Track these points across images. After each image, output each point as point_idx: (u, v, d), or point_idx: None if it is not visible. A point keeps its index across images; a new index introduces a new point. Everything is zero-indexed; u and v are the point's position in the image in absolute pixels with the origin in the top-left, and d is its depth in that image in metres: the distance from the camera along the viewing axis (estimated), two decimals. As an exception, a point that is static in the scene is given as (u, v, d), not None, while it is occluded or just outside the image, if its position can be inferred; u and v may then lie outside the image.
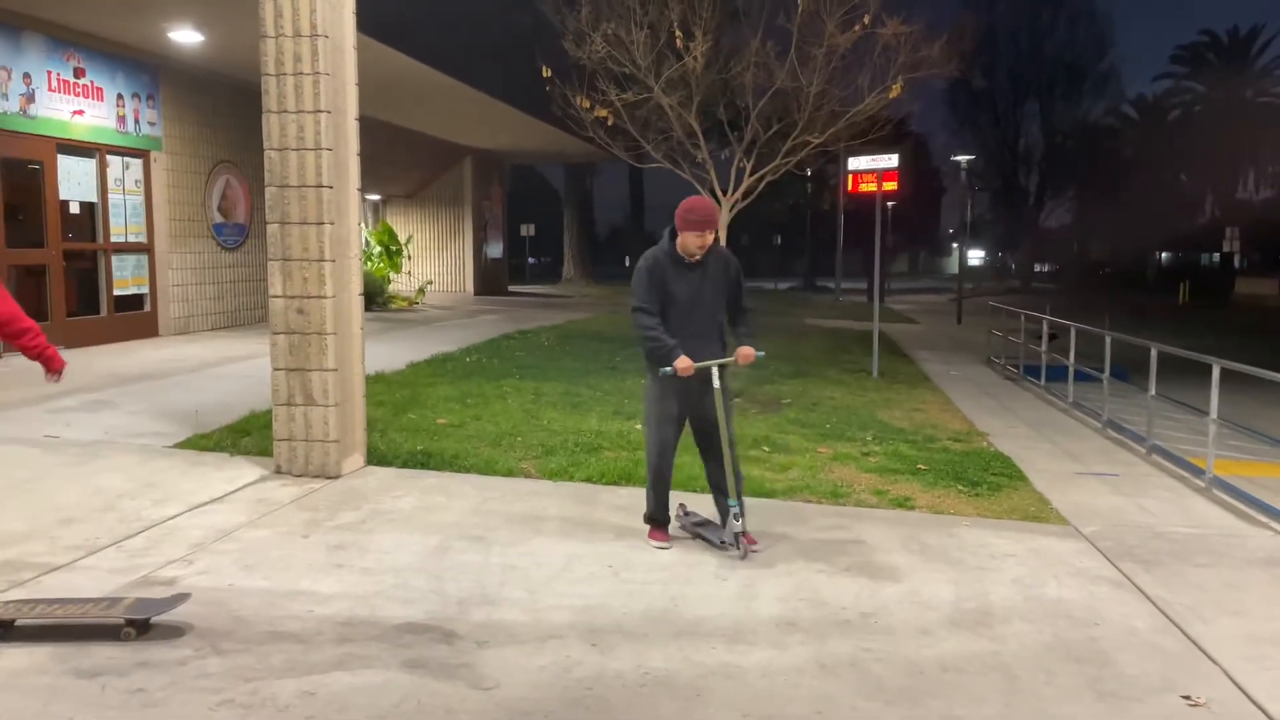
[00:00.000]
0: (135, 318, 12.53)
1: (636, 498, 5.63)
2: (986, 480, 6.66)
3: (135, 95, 12.25)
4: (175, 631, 3.64)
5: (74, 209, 11.55)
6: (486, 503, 5.56)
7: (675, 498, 5.17)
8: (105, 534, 4.74)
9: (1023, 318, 13.46)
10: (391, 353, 11.58)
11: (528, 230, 39.03)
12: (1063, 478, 7.07)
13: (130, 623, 3.56)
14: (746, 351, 4.81)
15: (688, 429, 4.98)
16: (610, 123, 9.42)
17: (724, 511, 4.86)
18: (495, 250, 27.31)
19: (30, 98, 10.54)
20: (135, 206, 12.46)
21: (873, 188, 12.68)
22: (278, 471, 5.94)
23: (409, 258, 22.44)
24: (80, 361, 10.18)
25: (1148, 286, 52.57)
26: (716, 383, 4.77)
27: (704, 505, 5.25)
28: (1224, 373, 6.94)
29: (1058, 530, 5.62)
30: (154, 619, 3.64)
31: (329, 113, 5.70)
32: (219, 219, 14.08)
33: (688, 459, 5.55)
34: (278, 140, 5.75)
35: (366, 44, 7.46)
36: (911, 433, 8.38)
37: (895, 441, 7.89)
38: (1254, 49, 61.46)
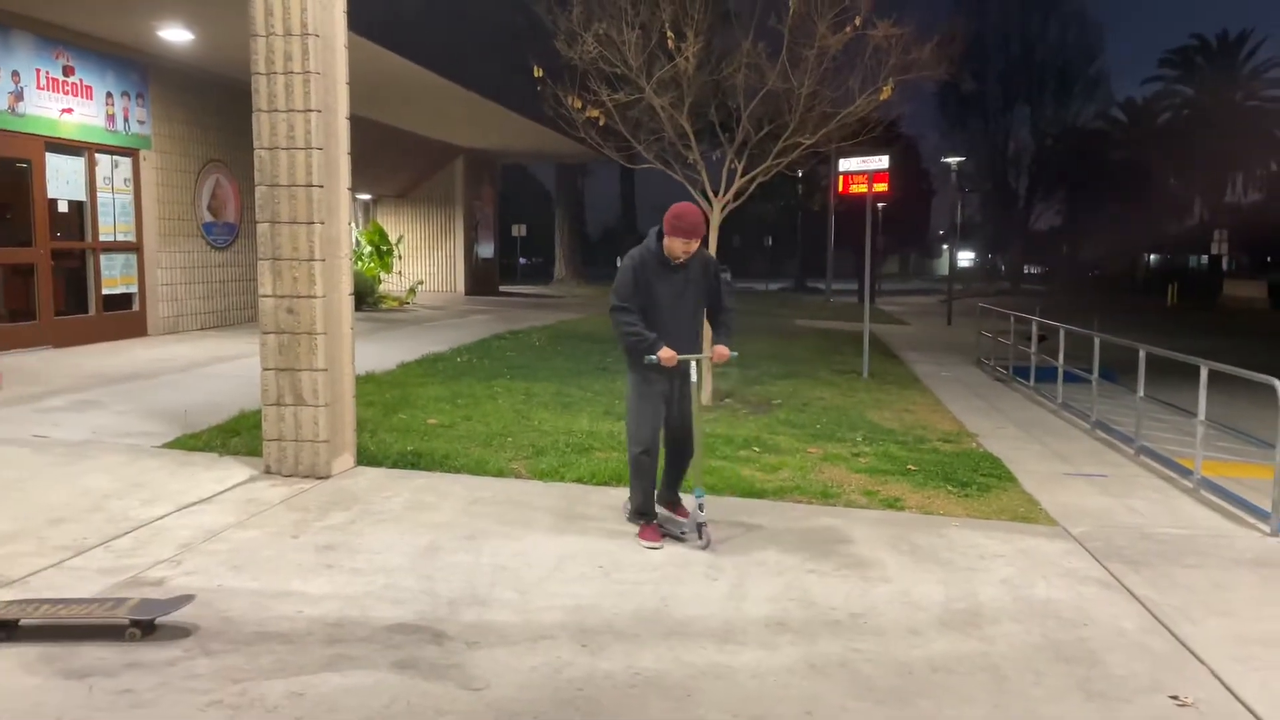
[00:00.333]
0: (124, 317, 12.47)
1: (626, 498, 5.63)
2: (976, 481, 6.68)
3: (124, 93, 12.19)
4: (164, 632, 3.62)
5: (62, 208, 11.49)
6: (477, 503, 5.56)
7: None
8: (93, 534, 4.71)
9: (1012, 319, 13.50)
10: (382, 353, 11.55)
11: (519, 230, 38.99)
12: (1052, 478, 7.09)
13: (135, 623, 3.54)
14: (722, 350, 5.02)
15: None
16: (602, 123, 9.40)
17: (672, 504, 5.24)
18: (486, 250, 27.28)
19: (19, 96, 10.49)
20: (124, 205, 12.40)
21: (863, 189, 12.72)
22: (267, 472, 5.92)
23: (400, 257, 22.39)
24: (68, 361, 10.13)
25: (1136, 288, 52.80)
26: (694, 376, 4.96)
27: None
28: (1212, 374, 6.98)
29: (1046, 531, 5.64)
30: (159, 620, 3.62)
31: (319, 112, 5.69)
32: (209, 218, 14.03)
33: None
34: (268, 139, 5.73)
35: (357, 43, 7.44)
36: (901, 433, 8.40)
37: (885, 442, 7.91)
38: (1243, 53, 61.82)
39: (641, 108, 9.27)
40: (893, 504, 6.03)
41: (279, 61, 5.66)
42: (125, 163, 12.38)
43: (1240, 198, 63.61)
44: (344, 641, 3.62)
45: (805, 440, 7.85)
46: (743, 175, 9.23)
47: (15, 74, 10.43)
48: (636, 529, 5.05)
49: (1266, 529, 5.81)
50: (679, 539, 5.00)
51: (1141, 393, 8.17)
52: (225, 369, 9.92)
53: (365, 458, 6.35)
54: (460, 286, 25.32)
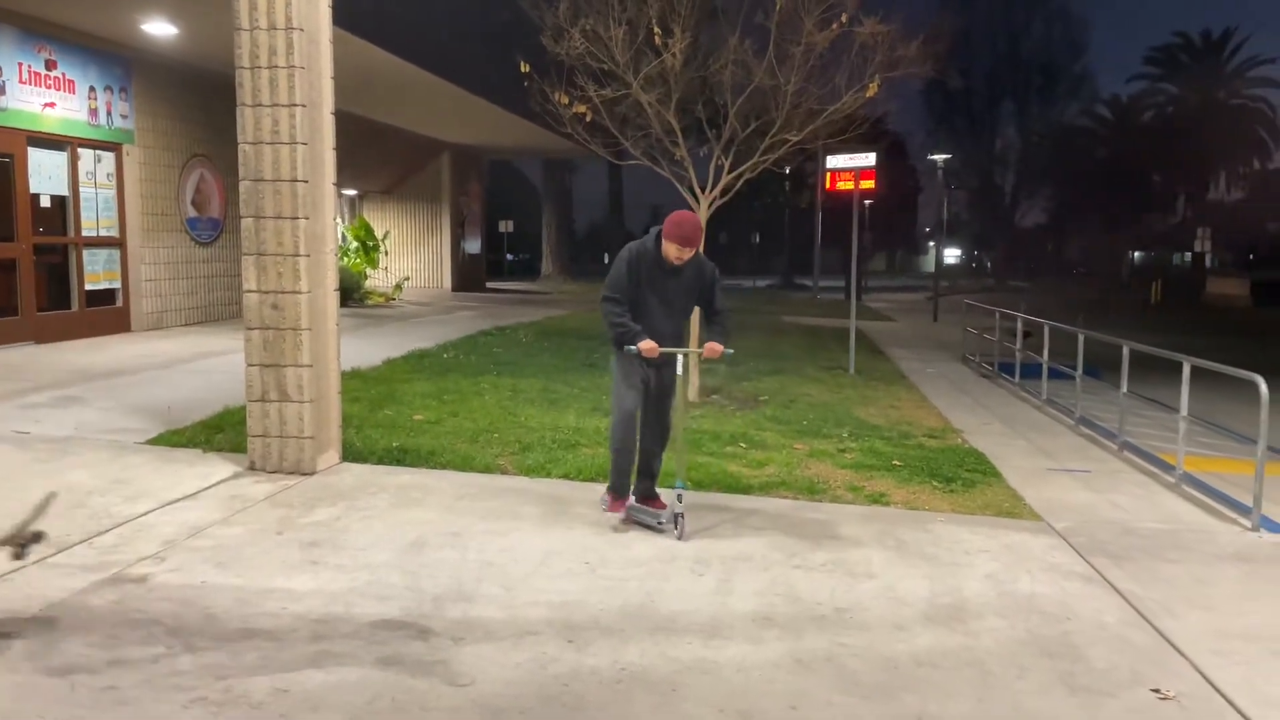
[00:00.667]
0: (107, 313, 12.38)
1: (613, 494, 5.64)
2: (961, 476, 6.72)
3: (107, 88, 12.09)
4: (148, 629, 3.60)
5: (45, 202, 11.39)
6: (463, 499, 5.55)
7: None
8: (76, 530, 4.68)
9: (997, 316, 13.56)
10: (368, 349, 11.51)
11: (506, 226, 38.90)
12: (1036, 474, 7.13)
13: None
14: (714, 346, 5.10)
15: None
16: (589, 119, 9.39)
17: (646, 496, 5.35)
18: (473, 246, 27.20)
19: (0, 90, 10.39)
20: (107, 200, 12.31)
21: (850, 186, 12.75)
22: (251, 468, 5.89)
23: (386, 253, 22.30)
24: (51, 357, 10.06)
25: (1120, 285, 53.11)
26: (680, 370, 5.10)
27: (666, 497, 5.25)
28: (1194, 370, 7.03)
29: (1031, 526, 5.67)
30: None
31: (304, 106, 5.66)
32: (193, 213, 13.94)
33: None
34: (252, 134, 5.70)
35: (342, 38, 7.41)
36: (887, 429, 8.43)
37: (871, 438, 7.94)
38: (1226, 51, 62.22)
39: (629, 104, 9.25)
40: (878, 499, 6.05)
41: (263, 56, 5.63)
42: (108, 157, 12.28)
43: (1223, 196, 64.08)
44: (328, 638, 3.61)
45: (792, 436, 7.86)
46: (730, 172, 9.24)
47: (-4, 67, 10.34)
48: (607, 499, 5.33)
49: (1248, 524, 5.86)
50: (655, 529, 5.02)
51: (1125, 389, 8.23)
52: (209, 365, 9.86)
53: (351, 454, 6.33)
54: (447, 282, 25.24)
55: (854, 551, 4.94)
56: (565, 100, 9.30)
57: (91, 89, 11.81)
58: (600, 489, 5.86)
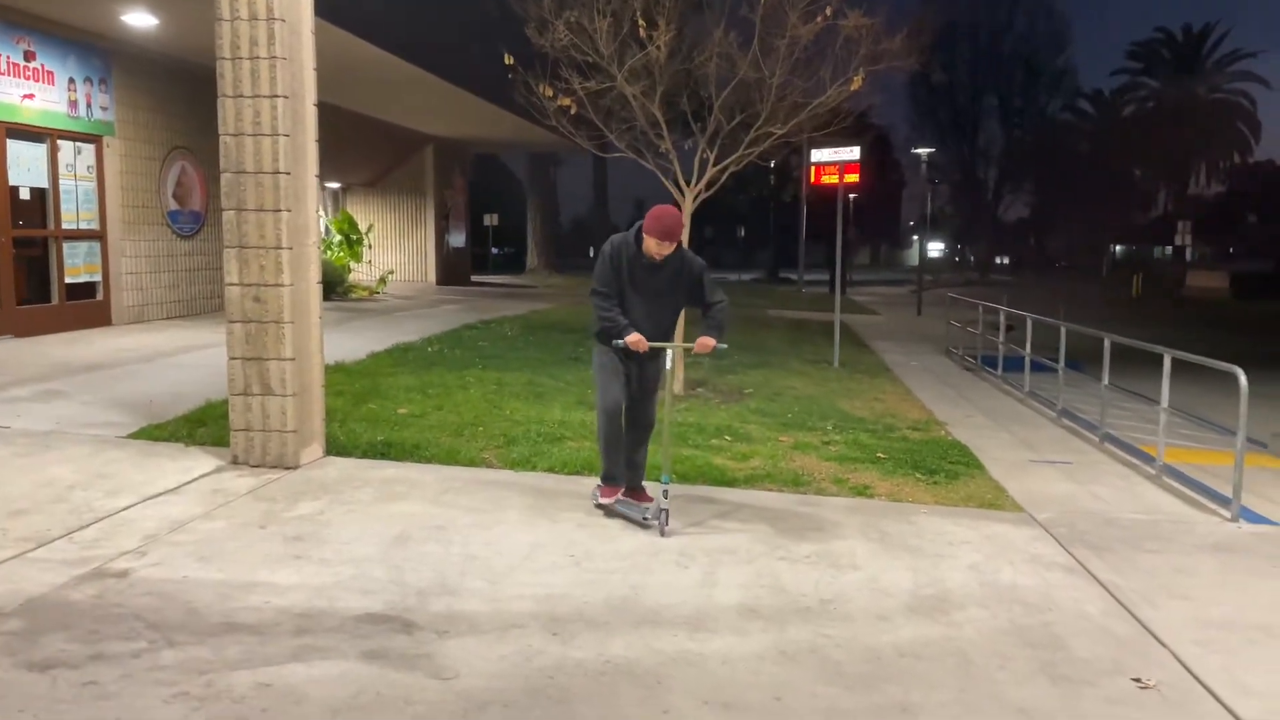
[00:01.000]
0: (88, 306, 12.27)
1: (598, 487, 5.64)
2: (944, 468, 6.75)
3: (87, 79, 11.97)
4: (129, 624, 3.58)
5: (24, 195, 11.27)
6: (448, 493, 5.53)
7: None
8: (56, 525, 4.64)
9: (980, 309, 13.63)
10: (352, 342, 11.46)
11: (491, 220, 38.77)
12: (1018, 466, 7.18)
13: None
14: (706, 341, 5.03)
15: None
16: (573, 112, 9.36)
17: (633, 489, 5.31)
18: (458, 240, 27.10)
19: (-23, 80, 10.27)
20: (87, 193, 12.19)
21: (835, 179, 12.77)
22: (234, 462, 5.86)
23: (370, 247, 22.19)
24: (31, 351, 9.97)
25: (1102, 279, 53.45)
26: (669, 364, 5.09)
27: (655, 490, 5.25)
28: (1175, 363, 7.09)
29: (1013, 517, 5.71)
30: None
31: (286, 98, 5.61)
32: (174, 206, 13.83)
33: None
34: (233, 125, 5.65)
35: (325, 29, 7.35)
36: (871, 422, 8.46)
37: (855, 431, 7.97)
38: (1206, 46, 62.64)
39: (613, 96, 9.23)
40: (862, 491, 6.07)
41: (244, 46, 5.58)
42: (88, 149, 12.16)
43: (1204, 190, 64.57)
44: (312, 632, 3.60)
45: (776, 429, 7.88)
46: (715, 165, 9.24)
47: (-27, 58, 10.21)
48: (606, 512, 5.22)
49: (1227, 514, 5.92)
50: (640, 524, 5.01)
51: (1106, 381, 8.29)
52: (191, 359, 9.80)
53: (334, 448, 6.31)
54: (431, 276, 25.15)
55: (838, 543, 4.96)
56: (550, 93, 9.26)
57: (71, 80, 11.69)
58: (587, 482, 5.88)
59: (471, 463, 6.25)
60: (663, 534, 4.89)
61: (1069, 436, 8.56)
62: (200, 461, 5.89)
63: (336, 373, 9.00)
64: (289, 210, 5.68)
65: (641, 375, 5.16)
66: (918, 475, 6.55)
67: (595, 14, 8.67)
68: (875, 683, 3.42)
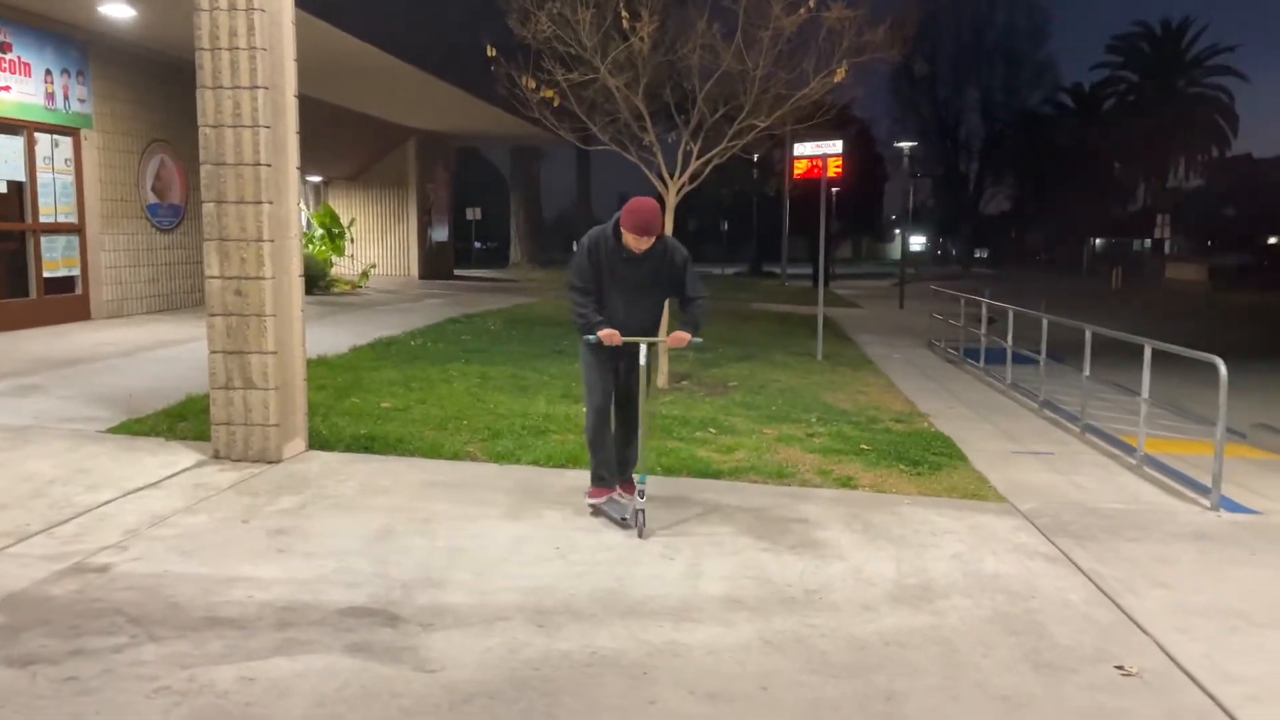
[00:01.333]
0: (66, 300, 12.15)
1: (584, 481, 5.63)
2: (927, 460, 6.78)
3: (64, 71, 11.84)
4: (110, 619, 3.54)
5: (1, 188, 11.15)
6: (432, 486, 5.51)
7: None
8: (36, 520, 4.59)
9: (962, 302, 13.69)
10: (334, 336, 11.40)
11: (474, 214, 38.61)
12: (1001, 457, 7.22)
13: None
14: (680, 335, 4.90)
15: None
16: (556, 104, 9.33)
17: (622, 484, 5.17)
18: (440, 234, 27.00)
19: (-49, 72, 10.14)
20: (65, 186, 12.06)
21: (817, 173, 12.78)
22: (216, 456, 5.81)
23: (352, 240, 22.07)
24: (9, 345, 9.86)
25: (1083, 271, 53.82)
26: (643, 360, 4.89)
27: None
28: (1155, 354, 7.14)
29: (996, 508, 5.74)
30: None
31: (267, 89, 5.56)
32: (153, 199, 13.71)
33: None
34: (213, 117, 5.60)
35: (306, 20, 7.30)
36: (855, 414, 8.49)
37: (839, 423, 7.99)
38: (1185, 40, 63.07)
39: (596, 89, 9.21)
40: (846, 483, 6.09)
41: (224, 37, 5.53)
42: (66, 142, 12.03)
43: (1183, 182, 65.10)
44: (296, 626, 3.58)
45: (761, 421, 7.89)
46: (698, 158, 9.23)
47: (-53, 49, 10.08)
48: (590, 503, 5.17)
49: (1206, 503, 5.97)
50: (620, 524, 4.89)
51: (1087, 372, 8.34)
52: (172, 353, 9.72)
53: (317, 441, 6.27)
54: (414, 270, 25.05)
55: (823, 534, 4.97)
56: (532, 85, 9.23)
57: (48, 72, 11.55)
58: (572, 475, 5.87)
59: (455, 456, 6.23)
60: (640, 535, 4.73)
61: (1051, 427, 8.62)
62: (181, 456, 5.84)
63: (319, 366, 8.95)
64: (270, 202, 5.63)
65: (627, 370, 5.06)
66: (901, 466, 6.57)
67: (578, 5, 8.64)
68: (860, 672, 3.43)
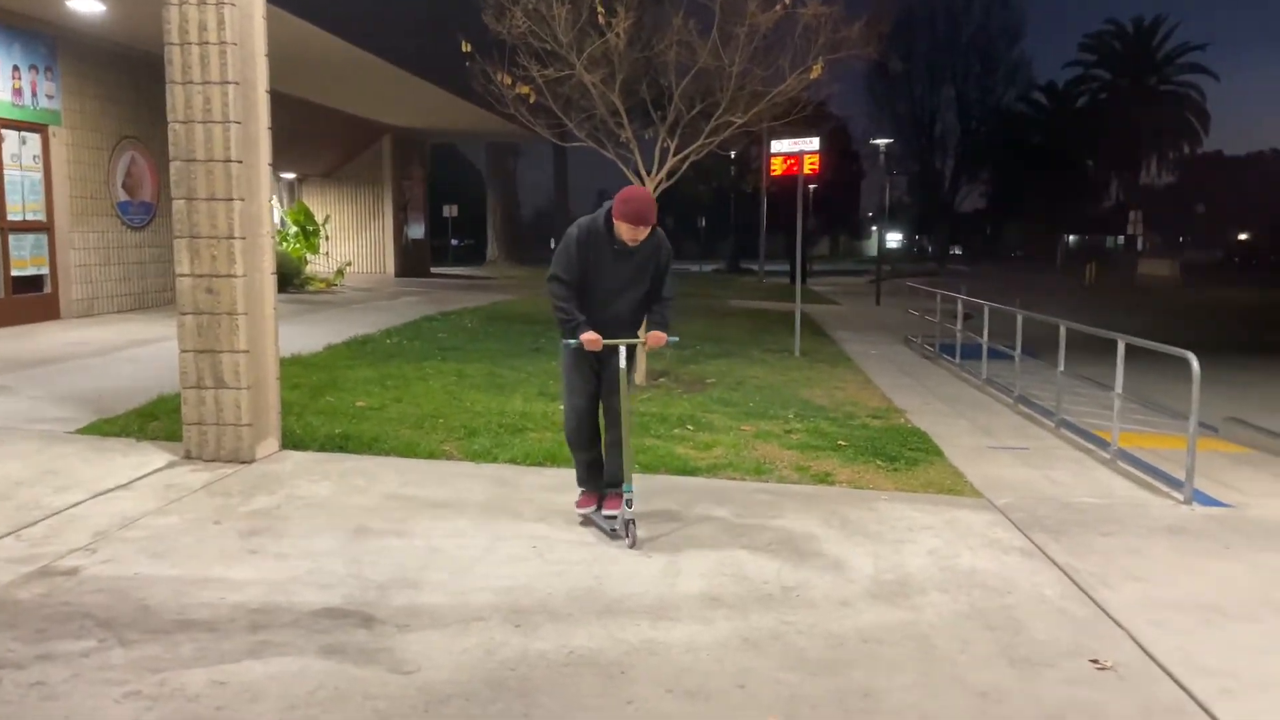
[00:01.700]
0: (35, 300, 11.98)
1: (561, 478, 5.61)
2: (904, 455, 6.80)
3: (32, 67, 11.66)
4: (78, 622, 3.48)
5: (-35, 185, 10.98)
6: (407, 485, 5.47)
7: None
8: (3, 523, 4.51)
9: (938, 298, 13.76)
10: (309, 335, 11.30)
11: (450, 211, 38.45)
12: (977, 452, 7.25)
13: None
14: (658, 335, 4.72)
15: None
16: (532, 100, 9.28)
17: (602, 496, 4.91)
18: (417, 231, 26.84)
19: (-85, 67, 9.96)
20: (34, 183, 11.89)
21: (795, 170, 12.80)
22: (187, 457, 5.74)
23: (327, 238, 21.90)
24: (-25, 345, 9.70)
25: (1057, 268, 54.31)
26: (623, 363, 4.67)
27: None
28: (1128, 349, 7.20)
29: (972, 503, 5.76)
30: None
31: (237, 84, 5.49)
32: (124, 197, 13.53)
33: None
34: (183, 112, 5.52)
35: (278, 15, 7.22)
36: (832, 410, 8.51)
37: (816, 419, 8.00)
38: (1156, 39, 63.74)
39: (573, 85, 9.17)
40: (824, 479, 6.10)
41: (193, 31, 5.45)
42: (34, 139, 11.85)
43: (1154, 180, 65.81)
44: (269, 628, 3.53)
45: (738, 418, 7.89)
46: (675, 154, 9.21)
47: (-89, 44, 9.90)
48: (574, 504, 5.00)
49: (1180, 497, 6.02)
50: (610, 535, 4.71)
51: (1062, 368, 8.40)
52: (143, 352, 9.60)
53: (291, 441, 6.20)
54: (390, 268, 24.90)
55: (800, 531, 4.97)
56: (508, 81, 9.18)
57: (15, 68, 11.38)
58: (549, 473, 5.85)
59: (431, 455, 6.18)
60: (632, 546, 4.54)
61: (1026, 423, 8.67)
62: (152, 457, 5.76)
63: (293, 365, 8.87)
64: (242, 199, 5.56)
65: (610, 372, 4.77)
66: (878, 462, 6.59)
67: (553, 0, 8.60)
68: (838, 668, 3.43)
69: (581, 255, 4.58)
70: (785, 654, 3.53)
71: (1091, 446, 7.57)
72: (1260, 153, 65.43)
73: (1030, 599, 4.18)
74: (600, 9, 8.59)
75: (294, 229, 19.85)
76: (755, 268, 40.79)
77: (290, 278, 17.71)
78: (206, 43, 5.44)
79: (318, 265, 21.14)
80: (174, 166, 5.56)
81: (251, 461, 5.73)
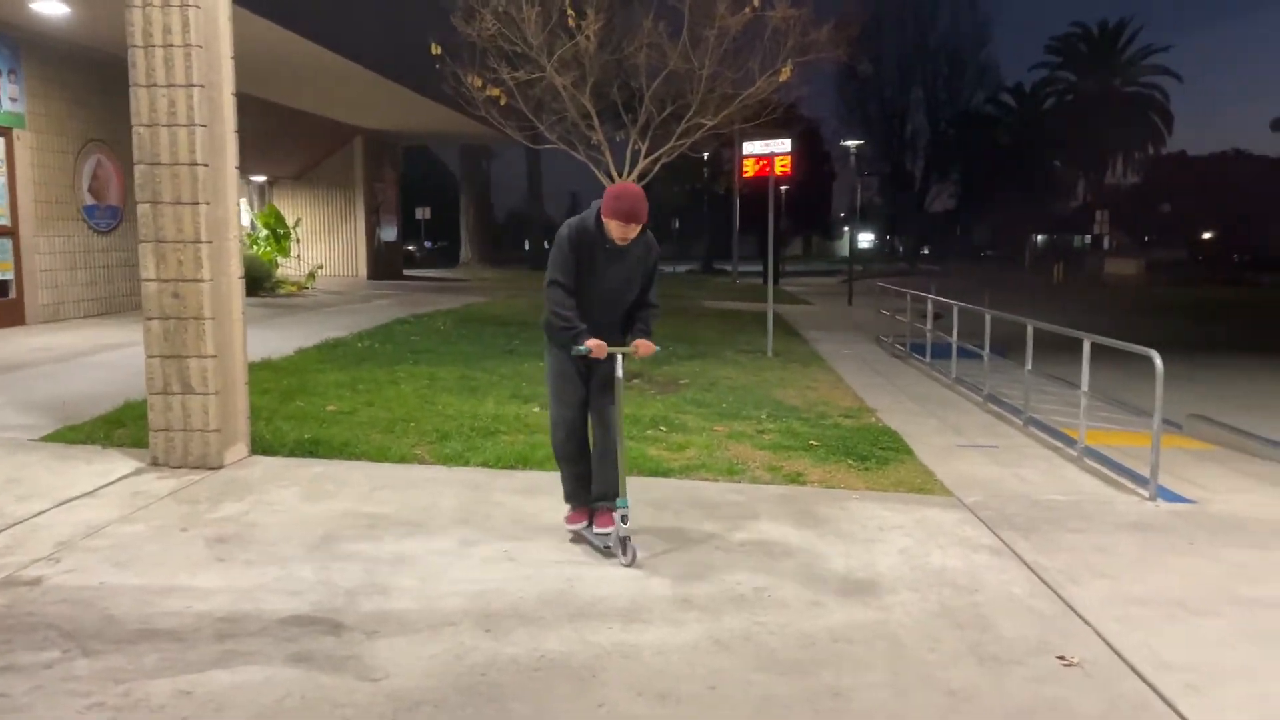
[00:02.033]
0: (-2, 305, 11.80)
1: (533, 481, 5.60)
2: (875, 454, 6.84)
3: (-7, 68, 11.48)
4: (40, 634, 3.43)
5: (-75, 189, 10.79)
6: (378, 490, 5.43)
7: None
8: (-38, 534, 4.44)
9: (909, 298, 13.85)
10: (279, 339, 11.20)
11: (423, 214, 38.27)
12: (947, 450, 7.31)
13: None
14: (648, 344, 4.54)
15: None
16: (503, 102, 9.27)
17: (592, 511, 4.66)
18: (389, 234, 26.69)
19: (-128, 69, 9.77)
20: (-4, 187, 11.71)
21: (766, 171, 12.84)
22: (154, 463, 5.67)
23: (298, 241, 21.70)
24: (-64, 352, 9.54)
25: (1025, 267, 54.89)
26: (619, 371, 4.52)
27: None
28: (1094, 347, 7.28)
29: (942, 501, 5.81)
30: None
31: (202, 87, 5.44)
32: (90, 201, 13.36)
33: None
34: (147, 115, 5.46)
35: (244, 16, 7.15)
36: (804, 410, 8.55)
37: (789, 419, 8.03)
38: (1121, 41, 64.57)
39: (543, 87, 9.16)
40: (796, 479, 6.12)
41: (157, 34, 5.39)
42: (-4, 142, 11.68)
43: (1120, 180, 66.68)
44: (235, 636, 3.49)
45: (711, 419, 7.91)
46: (647, 156, 9.22)
47: None
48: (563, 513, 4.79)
49: (1145, 494, 6.10)
50: (604, 553, 4.51)
51: (1029, 366, 8.49)
52: (110, 358, 9.47)
53: (260, 446, 6.15)
54: (362, 271, 24.74)
55: (772, 531, 4.99)
56: (479, 83, 9.15)
57: (-25, 69, 11.19)
58: (522, 476, 5.83)
59: (403, 459, 6.14)
60: (631, 564, 4.35)
61: (995, 421, 8.75)
62: (118, 464, 5.69)
63: (263, 369, 8.79)
64: (207, 203, 5.50)
65: (600, 381, 4.56)
66: (849, 462, 6.62)
67: (523, 2, 8.58)
68: (809, 668, 3.44)
69: (577, 254, 4.38)
70: (756, 654, 3.54)
71: (1059, 444, 7.65)
72: (1223, 153, 66.40)
73: (999, 597, 4.22)
74: (570, 11, 8.59)
75: (264, 232, 19.66)
76: (729, 268, 40.89)
77: (261, 281, 17.54)
78: (171, 45, 5.38)
79: (289, 268, 20.95)
80: (139, 170, 5.50)
81: (220, 467, 5.67)
